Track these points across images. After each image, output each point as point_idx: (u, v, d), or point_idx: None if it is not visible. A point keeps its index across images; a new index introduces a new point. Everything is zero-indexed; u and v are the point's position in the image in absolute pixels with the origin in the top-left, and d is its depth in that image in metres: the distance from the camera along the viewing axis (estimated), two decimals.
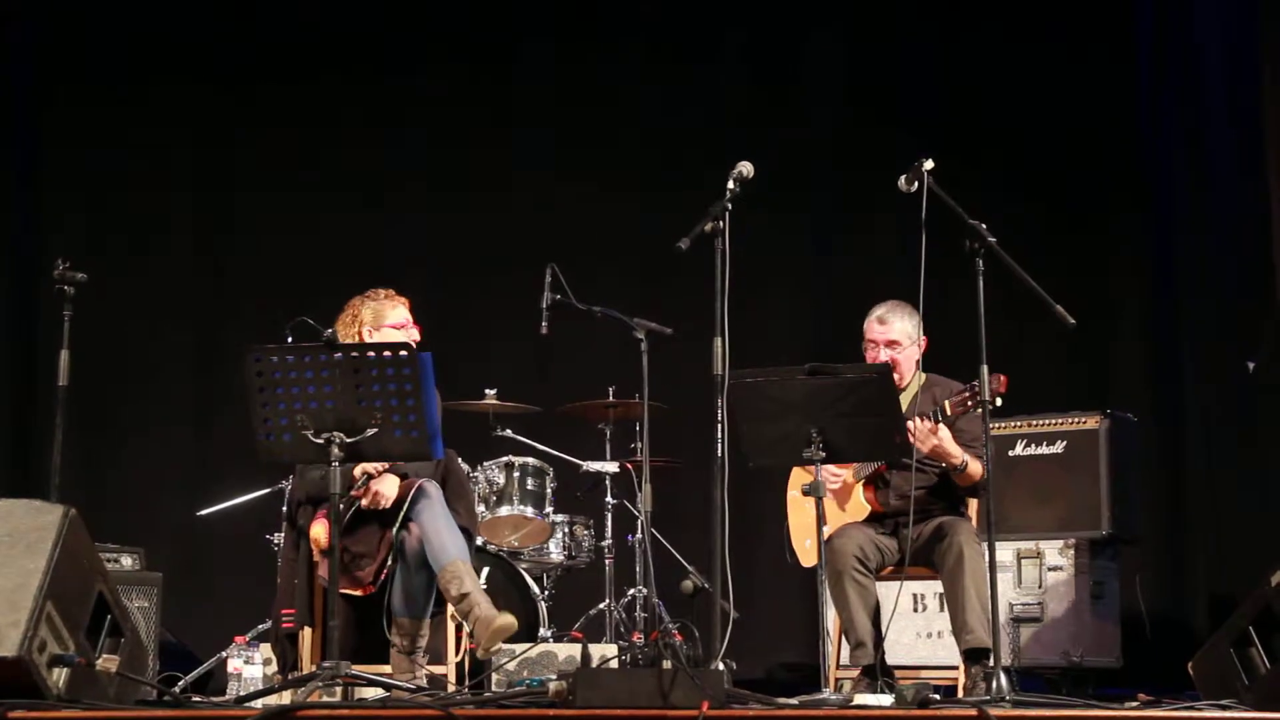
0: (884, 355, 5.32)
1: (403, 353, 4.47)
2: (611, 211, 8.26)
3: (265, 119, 8.34)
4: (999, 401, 4.63)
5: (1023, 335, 6.96)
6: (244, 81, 8.30)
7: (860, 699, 4.46)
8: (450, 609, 5.17)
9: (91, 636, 4.14)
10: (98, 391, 7.62)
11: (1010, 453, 6.65)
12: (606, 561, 6.99)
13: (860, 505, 5.33)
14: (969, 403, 5.00)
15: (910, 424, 4.98)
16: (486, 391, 6.96)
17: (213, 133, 8.34)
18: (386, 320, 5.33)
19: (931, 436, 5.04)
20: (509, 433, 7.07)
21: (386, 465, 5.16)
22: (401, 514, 5.08)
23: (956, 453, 5.11)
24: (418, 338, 5.32)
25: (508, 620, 4.92)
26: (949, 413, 5.07)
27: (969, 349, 4.64)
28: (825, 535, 4.81)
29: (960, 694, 5.02)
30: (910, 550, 5.12)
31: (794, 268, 8.26)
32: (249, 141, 8.36)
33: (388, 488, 5.12)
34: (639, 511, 6.18)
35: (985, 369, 4.59)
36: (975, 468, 5.13)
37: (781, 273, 8.11)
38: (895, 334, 5.35)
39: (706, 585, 5.78)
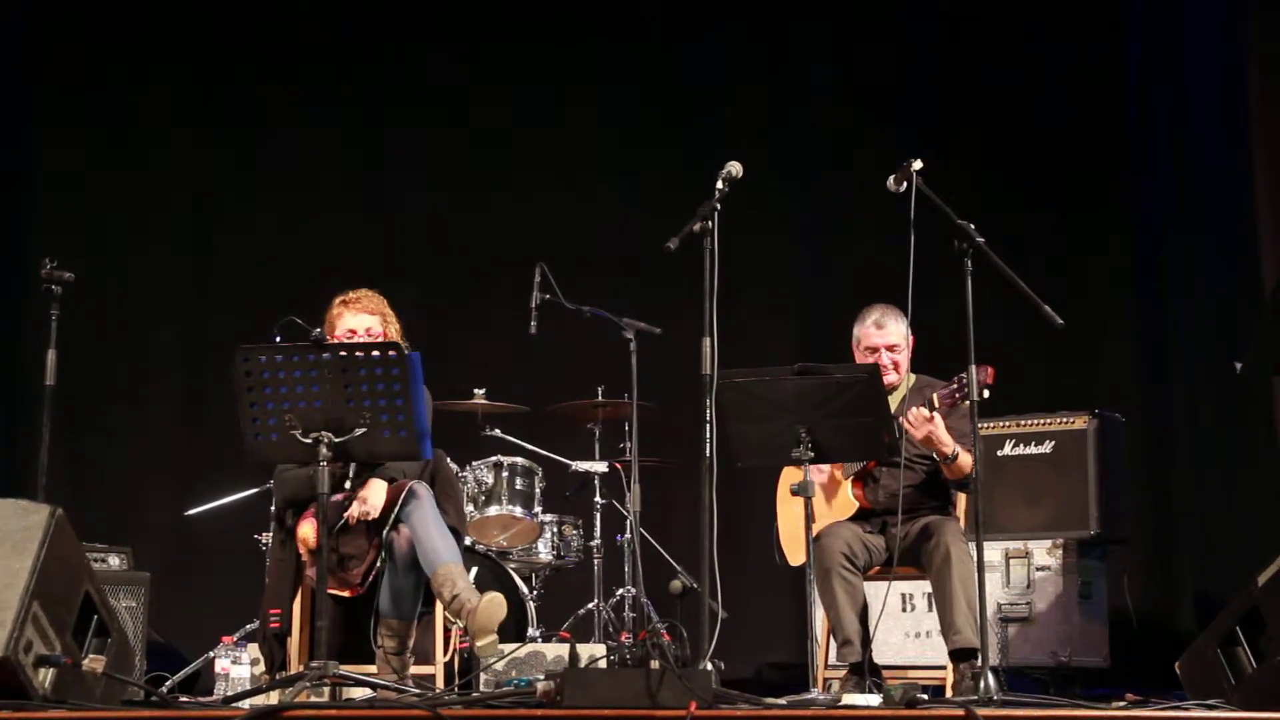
0: (886, 360, 5.31)
1: (391, 353, 4.47)
2: (601, 211, 8.26)
3: (255, 117, 8.32)
4: (986, 393, 4.63)
5: (1011, 335, 6.97)
6: (233, 80, 8.29)
7: (848, 699, 4.46)
8: (439, 610, 5.16)
9: (78, 637, 4.14)
10: (85, 391, 7.59)
11: (999, 453, 6.66)
12: (595, 561, 6.99)
13: (848, 501, 5.33)
14: (956, 395, 5.01)
15: (910, 412, 5.00)
16: (475, 391, 6.96)
17: (202, 131, 8.33)
18: (336, 330, 5.33)
19: (927, 424, 5.04)
20: (498, 432, 7.07)
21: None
22: (392, 516, 5.07)
23: (948, 441, 5.11)
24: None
25: (491, 598, 4.90)
26: (937, 406, 5.08)
27: (957, 349, 4.65)
28: (813, 533, 4.82)
29: (948, 694, 5.03)
30: (898, 550, 5.13)
31: (783, 267, 8.26)
32: (238, 140, 8.34)
33: (375, 496, 5.11)
34: (628, 511, 6.19)
35: (973, 369, 4.60)
36: (965, 459, 5.14)
37: (771, 272, 8.11)
38: (894, 337, 5.35)
39: (695, 585, 5.79)
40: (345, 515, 5.07)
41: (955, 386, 5.02)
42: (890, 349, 5.34)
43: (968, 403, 4.81)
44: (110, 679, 4.17)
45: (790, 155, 8.23)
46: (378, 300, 5.43)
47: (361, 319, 5.33)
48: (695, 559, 4.53)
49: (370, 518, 5.07)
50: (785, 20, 8.40)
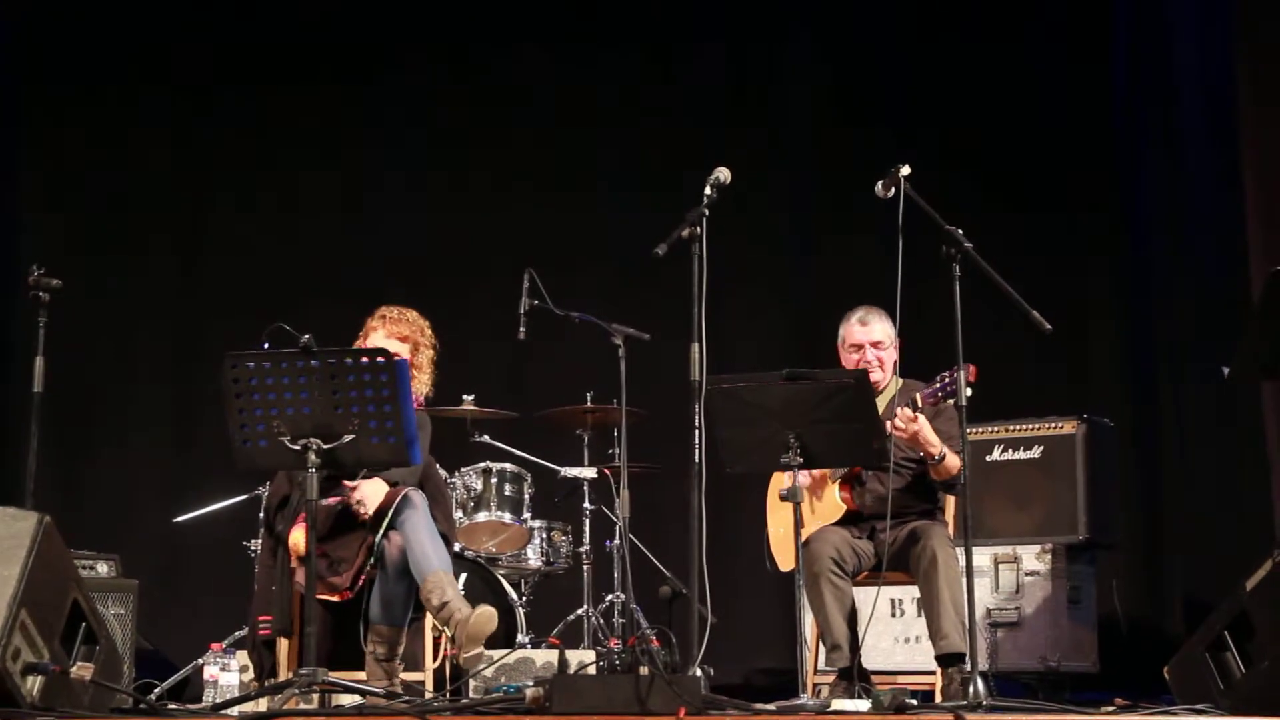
0: (870, 356, 5.32)
1: (380, 359, 4.47)
2: (589, 216, 8.25)
3: (244, 122, 8.31)
4: (969, 391, 4.63)
5: (999, 340, 6.98)
6: (223, 85, 8.28)
7: (837, 704, 4.46)
8: (429, 617, 5.16)
9: (66, 644, 4.13)
10: (74, 398, 7.59)
11: (987, 458, 6.67)
12: (584, 567, 6.98)
13: (836, 504, 5.33)
14: (940, 394, 5.02)
15: (897, 412, 5.01)
16: (464, 397, 6.95)
17: (190, 137, 8.32)
18: (366, 343, 5.34)
19: (912, 424, 5.05)
20: (487, 438, 7.06)
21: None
22: (385, 522, 5.06)
23: (936, 442, 5.12)
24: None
25: (483, 610, 4.90)
26: (921, 406, 5.09)
27: (945, 353, 4.65)
28: (802, 538, 4.83)
29: (938, 699, 5.03)
30: (887, 555, 5.13)
31: (772, 273, 8.26)
32: (227, 145, 8.32)
33: (372, 493, 5.10)
34: (617, 517, 6.19)
35: (961, 373, 4.60)
36: (953, 460, 5.15)
37: (759, 278, 8.12)
38: (878, 335, 5.37)
39: (684, 591, 5.78)
40: (337, 487, 5.06)
41: (939, 385, 5.03)
42: (875, 345, 5.36)
43: (952, 403, 4.82)
44: (98, 686, 4.16)
45: (779, 159, 8.24)
46: (414, 326, 5.38)
47: (390, 344, 5.27)
48: (684, 564, 4.53)
49: (361, 514, 5.06)
50: (778, 23, 8.41)
